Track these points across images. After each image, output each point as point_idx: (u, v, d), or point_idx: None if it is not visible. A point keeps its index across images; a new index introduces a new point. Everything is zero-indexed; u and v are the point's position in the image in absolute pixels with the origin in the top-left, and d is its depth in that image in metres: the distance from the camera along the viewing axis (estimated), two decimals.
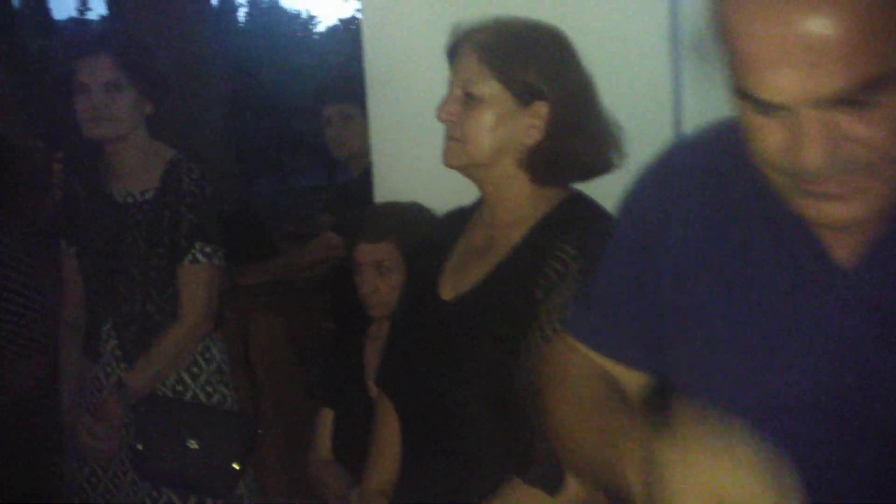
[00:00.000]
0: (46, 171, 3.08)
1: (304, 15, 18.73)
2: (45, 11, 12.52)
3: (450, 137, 1.46)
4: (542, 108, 1.43)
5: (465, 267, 1.51)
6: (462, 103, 1.44)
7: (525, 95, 1.42)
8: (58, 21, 12.66)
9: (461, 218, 1.60)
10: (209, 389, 2.24)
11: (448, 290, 1.52)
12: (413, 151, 1.92)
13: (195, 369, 2.23)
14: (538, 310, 1.37)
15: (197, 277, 2.19)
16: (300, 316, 3.00)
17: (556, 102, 1.43)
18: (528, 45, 1.44)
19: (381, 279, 1.90)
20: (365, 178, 2.24)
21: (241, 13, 15.56)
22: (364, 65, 2.04)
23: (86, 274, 2.27)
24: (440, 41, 1.51)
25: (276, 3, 16.89)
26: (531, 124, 1.43)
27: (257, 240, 3.43)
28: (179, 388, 2.22)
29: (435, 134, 1.49)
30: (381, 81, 2.02)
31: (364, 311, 1.99)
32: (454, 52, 1.48)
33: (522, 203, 1.47)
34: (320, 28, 16.89)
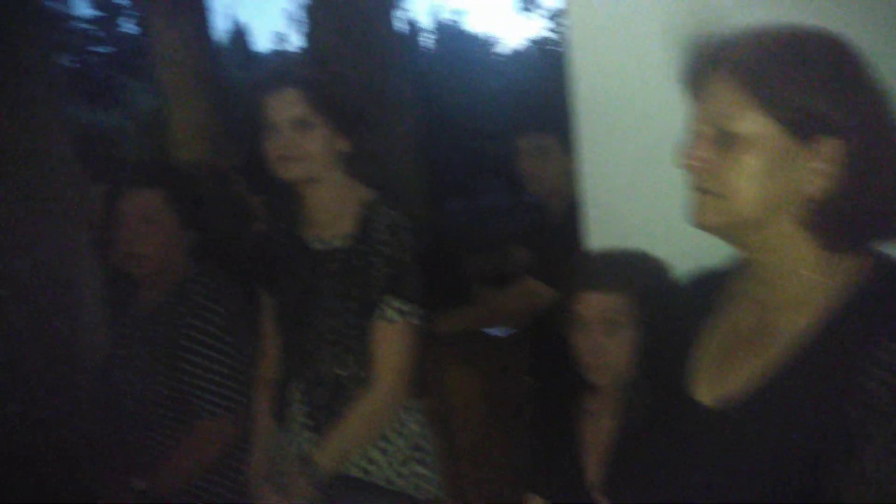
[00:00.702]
0: (247, 204, 3.01)
1: (486, 37, 18.80)
2: (245, 44, 13.19)
3: (702, 190, 1.07)
4: (830, 147, 1.03)
5: (728, 360, 1.13)
6: (716, 144, 1.06)
7: (806, 130, 1.03)
8: (256, 53, 13.32)
9: (712, 286, 1.21)
10: (403, 470, 1.96)
11: (705, 389, 1.13)
12: (632, 192, 1.66)
13: (386, 445, 1.97)
14: (859, 439, 0.96)
15: (390, 338, 1.94)
16: (498, 371, 2.69)
17: (851, 138, 1.02)
18: (806, 61, 1.04)
19: (608, 338, 1.60)
20: (569, 218, 2.00)
21: (425, 37, 15.78)
22: (570, 91, 1.75)
23: (280, 326, 2.07)
24: (669, 62, 1.13)
25: (458, 26, 17.00)
26: (817, 169, 1.04)
27: (451, 283, 3.16)
28: (371, 467, 1.95)
29: (660, 172, 1.20)
30: (594, 110, 1.73)
31: (578, 376, 1.66)
32: (697, 77, 1.10)
33: (808, 275, 1.08)
34: (503, 49, 16.84)
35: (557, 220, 2.73)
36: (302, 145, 1.92)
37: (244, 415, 2.15)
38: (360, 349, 1.95)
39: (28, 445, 2.49)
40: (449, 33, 16.14)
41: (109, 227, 2.23)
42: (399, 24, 5.28)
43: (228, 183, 3.90)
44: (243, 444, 2.15)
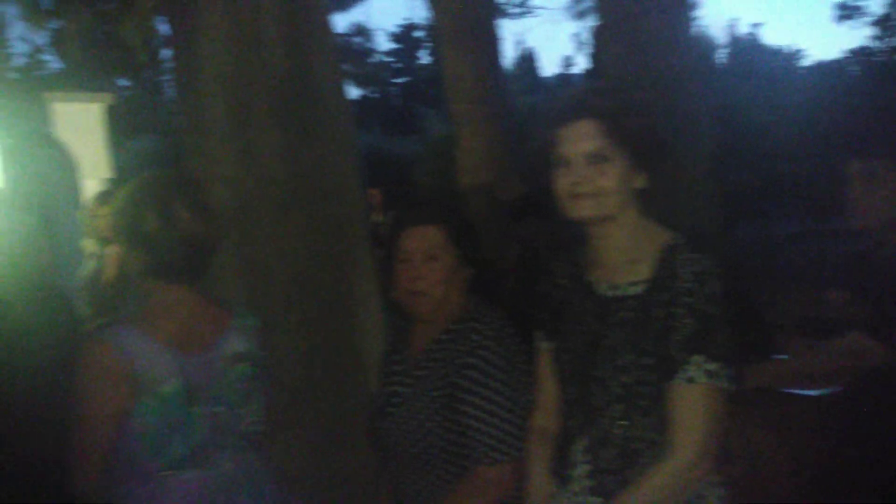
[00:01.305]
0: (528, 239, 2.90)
1: (788, 50, 17.44)
2: (533, 69, 13.35)
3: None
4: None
5: None
6: None
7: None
8: (544, 78, 13.43)
9: None
10: None
11: None
12: None
13: None
14: None
15: (693, 401, 1.70)
16: (812, 438, 2.29)
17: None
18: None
19: None
20: None
21: (721, 54, 14.98)
22: None
23: (560, 377, 1.91)
24: None
25: (757, 39, 15.95)
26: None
27: (751, 328, 2.78)
28: None
29: None
30: None
31: None
32: None
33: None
34: (808, 62, 15.50)
35: (890, 257, 2.30)
36: (597, 181, 1.74)
37: (521, 466, 2.01)
38: (655, 410, 1.73)
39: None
40: (746, 48, 15.19)
41: (391, 262, 2.21)
42: (694, 44, 4.95)
43: (512, 216, 3.84)
44: (518, 497, 2.02)
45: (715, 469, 1.76)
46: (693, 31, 4.83)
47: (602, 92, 1.81)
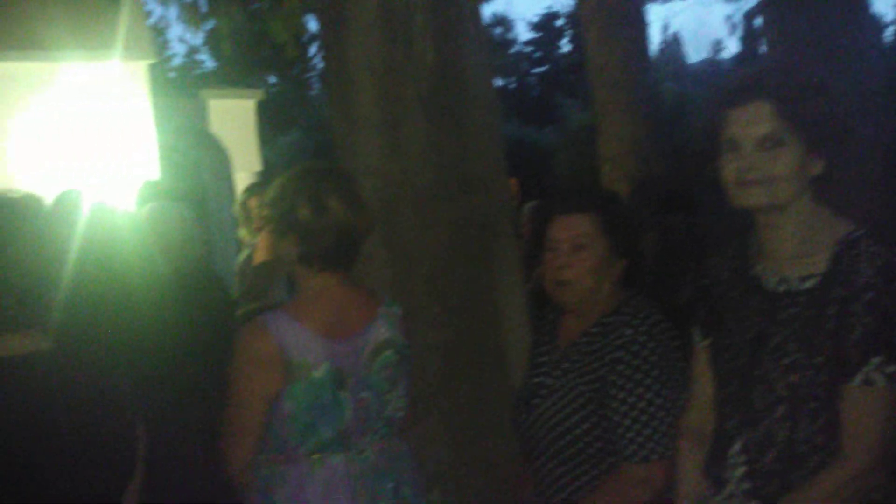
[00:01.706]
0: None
1: None
2: (680, 55, 12.90)
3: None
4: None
5: None
6: None
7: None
8: (690, 65, 12.95)
9: None
10: None
11: None
12: None
13: None
14: None
15: (870, 405, 1.58)
16: None
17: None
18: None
19: None
20: None
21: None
22: None
23: (717, 375, 1.80)
24: None
25: None
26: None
27: None
28: None
29: None
30: None
31: None
32: None
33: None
34: None
35: None
36: (769, 167, 1.62)
37: (671, 465, 1.92)
38: (826, 413, 1.60)
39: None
40: None
41: (537, 249, 2.16)
42: (870, 22, 4.59)
43: (657, 207, 3.70)
44: (667, 497, 1.93)
45: (891, 477, 1.61)
46: (868, 7, 4.48)
47: (777, 71, 1.68)
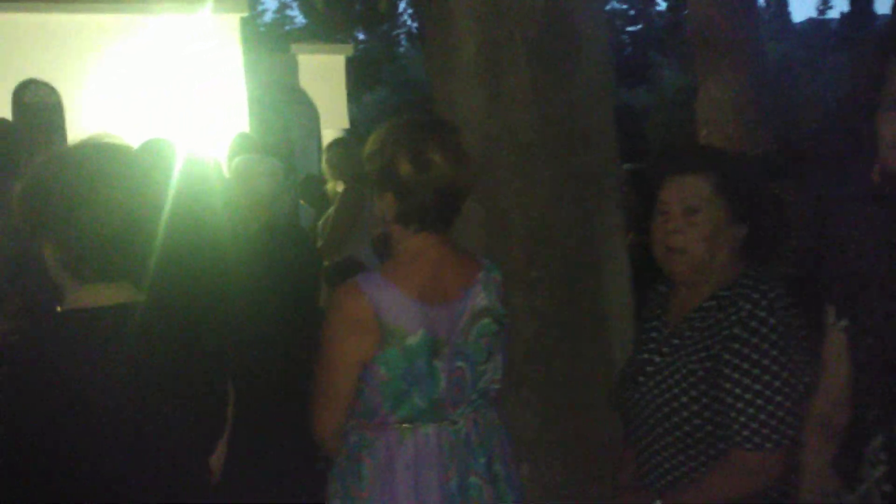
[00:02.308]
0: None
1: None
2: (784, 14, 12.26)
3: None
4: None
5: None
6: None
7: None
8: (795, 24, 12.28)
9: None
10: None
11: None
12: None
13: None
14: None
15: None
16: None
17: None
18: None
19: None
20: None
21: None
22: None
23: (856, 360, 1.62)
24: None
25: None
26: None
27: None
28: None
29: None
30: None
31: None
32: None
33: None
34: None
35: None
36: None
37: (791, 456, 1.75)
38: None
39: None
40: None
41: (641, 214, 1.99)
42: None
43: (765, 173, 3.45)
44: (785, 491, 1.76)
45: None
46: None
47: None
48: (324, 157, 4.94)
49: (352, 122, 11.08)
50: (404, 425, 1.88)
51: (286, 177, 3.49)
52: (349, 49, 10.84)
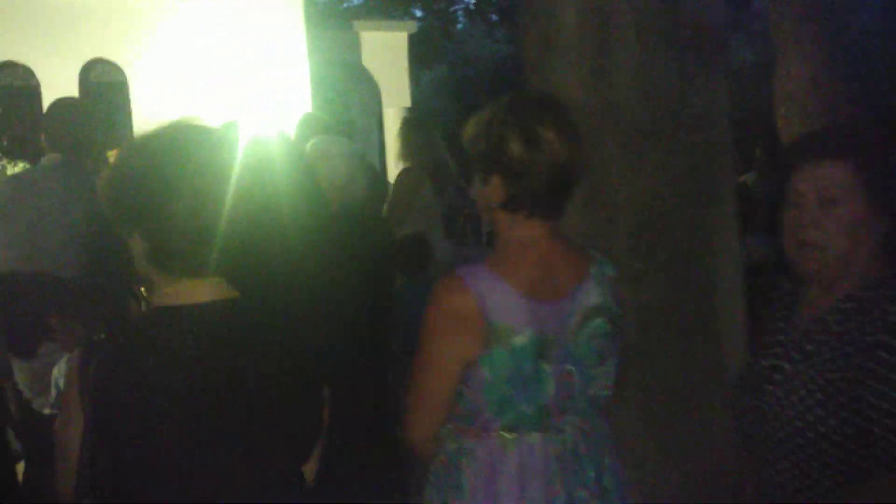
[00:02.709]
0: None
1: None
2: None
3: None
4: None
5: None
6: None
7: None
8: None
9: None
10: None
11: None
12: None
13: None
14: None
15: None
16: None
17: None
18: None
19: None
20: None
21: None
22: None
23: None
24: None
25: None
26: None
27: None
28: None
29: None
30: None
31: None
32: None
33: None
34: None
35: None
36: None
37: None
38: None
39: None
40: None
41: (778, 204, 1.78)
42: None
43: None
44: None
45: None
46: None
47: None
48: (400, 137, 4.81)
49: (413, 99, 10.93)
50: (508, 435, 1.72)
51: (362, 158, 3.34)
52: (412, 26, 10.66)
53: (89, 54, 9.31)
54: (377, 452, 2.52)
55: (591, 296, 1.75)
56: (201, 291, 1.40)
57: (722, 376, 2.10)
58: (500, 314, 1.65)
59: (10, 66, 9.53)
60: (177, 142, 1.37)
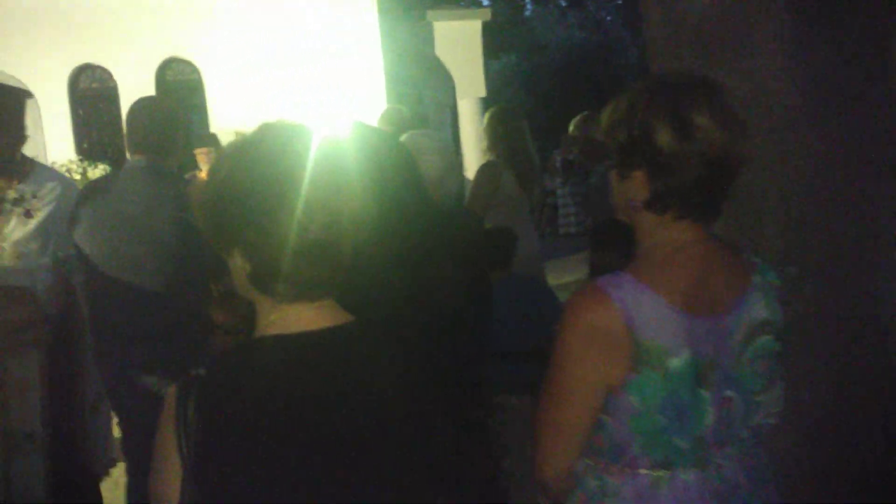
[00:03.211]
0: None
1: None
2: None
3: None
4: None
5: None
6: None
7: None
8: None
9: None
10: None
11: None
12: None
13: None
14: None
15: None
16: None
17: None
18: None
19: None
20: None
21: None
22: None
23: None
24: None
25: None
26: None
27: None
28: None
29: None
30: None
31: None
32: None
33: None
34: None
35: None
36: None
37: None
38: None
39: None
40: None
41: None
42: None
43: None
44: None
45: None
46: None
47: None
48: (485, 127, 4.60)
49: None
50: (659, 472, 1.48)
51: (455, 153, 3.13)
52: (486, 13, 10.40)
53: (165, 54, 9.34)
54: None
55: (756, 309, 1.50)
56: (312, 317, 1.22)
57: (892, 398, 1.82)
58: (651, 331, 1.41)
59: (87, 69, 9.64)
60: (282, 146, 1.18)
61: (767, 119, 1.88)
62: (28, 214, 2.73)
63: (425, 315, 1.85)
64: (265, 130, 1.23)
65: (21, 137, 2.72)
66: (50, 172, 2.97)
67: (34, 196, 2.76)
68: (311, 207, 1.14)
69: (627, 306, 1.42)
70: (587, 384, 1.46)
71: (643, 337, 1.41)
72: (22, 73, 9.01)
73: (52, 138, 9.27)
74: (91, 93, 9.74)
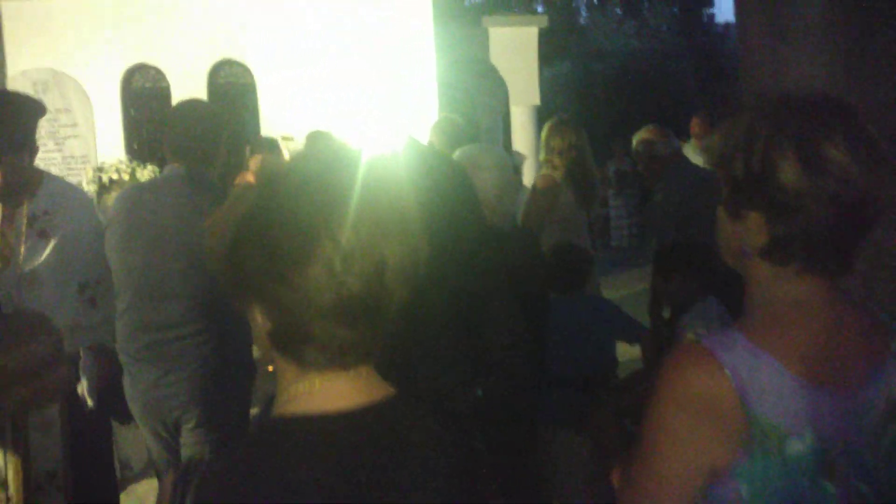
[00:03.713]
0: None
1: None
2: None
3: None
4: None
5: None
6: None
7: None
8: None
9: None
10: None
11: None
12: None
13: None
14: None
15: None
16: None
17: None
18: None
19: None
20: None
21: None
22: None
23: None
24: None
25: None
26: None
27: None
28: None
29: None
30: None
31: None
32: None
33: None
34: None
35: None
36: None
37: None
38: None
39: None
40: None
41: None
42: None
43: None
44: None
45: None
46: None
47: None
48: (543, 139, 4.35)
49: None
50: None
51: (514, 169, 2.89)
52: (543, 20, 10.13)
53: (217, 55, 9.26)
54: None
55: (894, 383, 1.22)
56: (345, 391, 0.98)
57: None
58: (767, 406, 1.15)
59: (141, 69, 9.61)
60: (318, 177, 0.94)
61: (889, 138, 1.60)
62: (44, 235, 2.48)
63: (478, 360, 1.61)
64: (299, 160, 0.99)
65: (34, 150, 2.48)
66: (60, 184, 2.67)
67: (46, 213, 2.49)
68: (351, 256, 0.90)
69: (740, 374, 1.16)
70: (686, 465, 1.20)
71: (758, 411, 1.15)
72: (76, 72, 9.02)
73: (103, 137, 9.25)
74: (144, 92, 9.71)
